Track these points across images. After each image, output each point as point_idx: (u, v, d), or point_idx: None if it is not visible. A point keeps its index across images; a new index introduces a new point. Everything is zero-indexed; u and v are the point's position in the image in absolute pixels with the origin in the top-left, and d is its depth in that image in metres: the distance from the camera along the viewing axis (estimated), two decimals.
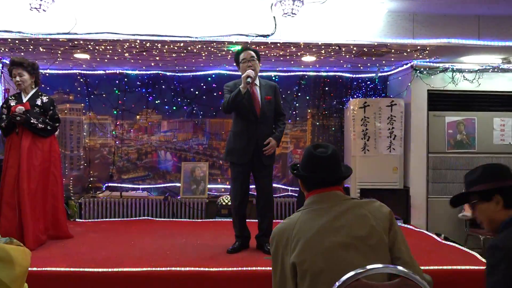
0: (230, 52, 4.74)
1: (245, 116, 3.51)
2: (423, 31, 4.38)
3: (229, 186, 5.72)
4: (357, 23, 4.34)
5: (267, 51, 4.77)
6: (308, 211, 1.62)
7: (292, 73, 5.94)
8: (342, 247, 1.48)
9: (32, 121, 3.84)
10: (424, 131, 5.45)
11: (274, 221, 3.91)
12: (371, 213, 1.56)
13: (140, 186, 6.02)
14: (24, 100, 3.95)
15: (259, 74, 3.65)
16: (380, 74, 5.84)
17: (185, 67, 5.77)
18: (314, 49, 4.69)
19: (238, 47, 4.08)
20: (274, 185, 5.68)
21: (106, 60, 5.29)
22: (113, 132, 6.08)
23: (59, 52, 4.83)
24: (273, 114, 3.64)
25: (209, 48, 4.60)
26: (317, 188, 1.65)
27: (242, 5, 4.18)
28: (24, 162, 3.79)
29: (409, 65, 5.40)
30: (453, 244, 4.28)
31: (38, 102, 3.97)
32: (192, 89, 6.01)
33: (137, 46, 4.57)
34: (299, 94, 6.00)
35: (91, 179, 6.03)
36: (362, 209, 1.58)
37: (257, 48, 4.18)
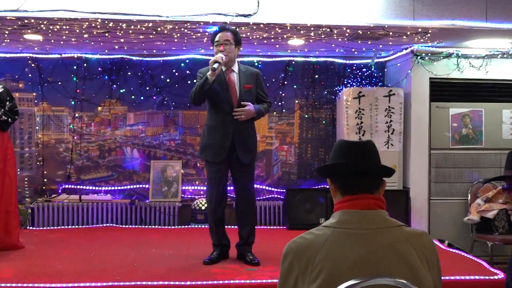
0: (206, 34, 4.72)
1: (220, 107, 3.51)
2: (425, 12, 4.40)
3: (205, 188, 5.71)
4: (351, 2, 4.35)
5: (248, 33, 4.75)
6: (341, 233, 1.42)
7: (277, 59, 5.95)
8: None
9: None
10: (426, 124, 5.51)
11: (256, 227, 3.94)
12: (420, 251, 1.41)
13: (103, 188, 5.96)
14: None
15: (239, 59, 3.65)
16: (376, 60, 5.89)
17: (154, 51, 5.72)
18: (302, 31, 4.69)
19: (215, 28, 4.06)
20: (257, 186, 5.70)
21: (62, 42, 5.21)
22: (71, 126, 6.00)
23: (6, 32, 4.74)
24: (255, 102, 3.64)
25: (182, 29, 4.56)
26: (351, 192, 1.48)
27: None
28: None
29: (409, 50, 5.45)
30: (458, 252, 4.36)
31: None
32: (162, 77, 5.97)
33: (98, 26, 4.50)
34: (286, 82, 6.02)
35: (45, 180, 5.94)
36: (409, 245, 1.41)
37: (238, 29, 4.16)
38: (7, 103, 3.99)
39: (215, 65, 3.35)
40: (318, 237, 1.42)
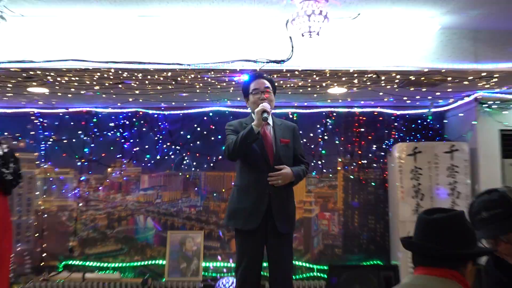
0: (233, 83, 4.88)
1: (254, 165, 3.51)
2: (489, 53, 4.46)
3: (233, 265, 5.66)
4: (401, 43, 4.44)
5: (281, 81, 4.90)
6: None
7: (315, 110, 6.07)
8: None
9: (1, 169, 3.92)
10: (498, 186, 5.39)
11: None
12: None
13: (110, 265, 6.00)
14: None
15: (272, 111, 3.73)
16: (434, 110, 5.91)
17: (173, 103, 5.92)
18: (344, 78, 4.80)
19: (243, 77, 4.19)
20: (294, 262, 5.61)
21: (70, 96, 5.43)
22: (76, 191, 6.17)
23: (9, 85, 4.97)
24: (291, 163, 3.66)
25: (205, 78, 4.73)
26: (420, 263, 1.81)
27: (248, 23, 4.34)
28: None
29: (472, 97, 5.46)
30: None
31: None
32: (182, 132, 6.14)
33: (111, 77, 4.70)
34: (326, 137, 6.10)
35: (44, 255, 6.03)
36: None
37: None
38: (11, 164, 4.10)
39: (265, 115, 3.43)
40: None
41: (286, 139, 3.67)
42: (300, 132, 3.97)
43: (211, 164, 6.00)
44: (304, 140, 5.87)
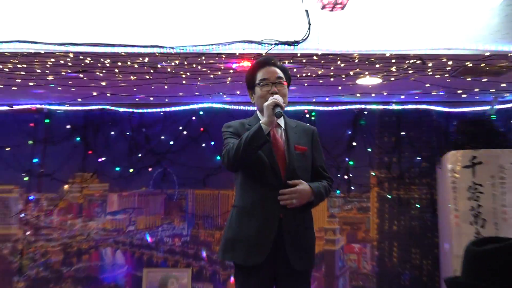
0: (231, 72, 4.92)
1: (260, 180, 3.49)
2: None
3: None
4: (453, 19, 4.46)
5: (295, 70, 4.95)
6: None
7: (340, 107, 6.11)
8: None
9: None
10: None
11: None
12: None
13: None
14: None
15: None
16: (498, 107, 5.94)
17: (151, 99, 5.97)
18: (378, 65, 4.83)
19: (245, 64, 4.22)
20: None
21: (14, 88, 5.47)
22: (22, 215, 6.21)
23: None
24: (309, 177, 3.64)
25: (194, 65, 4.77)
26: None
27: None
28: None
29: None
30: None
31: None
32: (163, 137, 6.21)
33: (70, 64, 4.74)
34: (355, 143, 6.15)
35: None
36: None
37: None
38: None
39: (278, 109, 3.39)
40: None
41: (303, 146, 3.63)
42: (320, 136, 3.93)
43: (202, 180, 6.04)
44: (324, 147, 5.87)
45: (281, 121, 3.68)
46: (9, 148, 6.27)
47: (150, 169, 6.23)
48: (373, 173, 6.15)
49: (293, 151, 3.60)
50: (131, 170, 6.22)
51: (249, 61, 4.54)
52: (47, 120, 6.28)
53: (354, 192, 6.17)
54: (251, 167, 3.52)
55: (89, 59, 4.61)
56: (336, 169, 6.01)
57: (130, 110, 6.20)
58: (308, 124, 3.87)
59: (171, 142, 6.18)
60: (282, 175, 3.54)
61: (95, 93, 5.67)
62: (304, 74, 5.12)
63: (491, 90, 5.65)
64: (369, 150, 6.15)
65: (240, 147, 3.41)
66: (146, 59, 4.60)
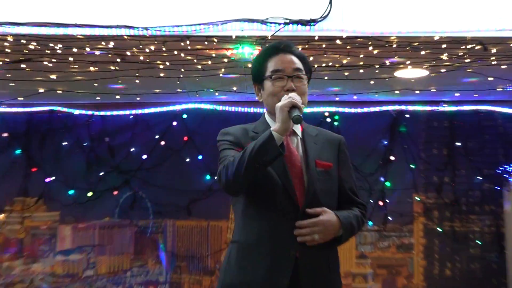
0: (225, 61, 4.95)
1: (270, 207, 3.49)
2: None
3: None
4: None
5: (311, 58, 4.95)
6: None
7: (372, 108, 6.17)
8: None
9: None
10: None
11: None
12: None
13: None
14: None
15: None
16: None
17: (117, 97, 6.01)
18: (423, 51, 4.86)
19: (246, 49, 4.25)
20: None
21: None
22: None
23: None
24: (335, 203, 3.65)
25: (176, 51, 4.81)
26: None
27: None
28: None
29: None
30: None
31: None
32: (133, 149, 6.27)
33: (8, 50, 4.77)
34: (392, 157, 6.19)
35: None
36: None
37: None
38: None
39: (296, 112, 3.36)
40: None
41: (327, 161, 3.66)
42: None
43: (186, 206, 6.07)
44: (353, 162, 5.87)
45: (297, 128, 3.66)
46: None
47: (115, 193, 6.24)
48: (417, 198, 6.15)
49: (313, 168, 3.53)
50: (89, 194, 6.23)
51: (251, 47, 4.56)
52: None
53: (392, 224, 6.16)
54: (257, 189, 3.50)
55: (34, 43, 4.63)
56: (367, 193, 6.01)
57: (89, 112, 6.20)
58: (334, 134, 3.83)
59: (144, 156, 6.19)
60: (300, 200, 3.46)
61: (41, 90, 5.70)
62: (323, 64, 5.14)
63: None
64: (412, 166, 6.16)
65: (244, 162, 3.32)
66: (111, 44, 4.64)
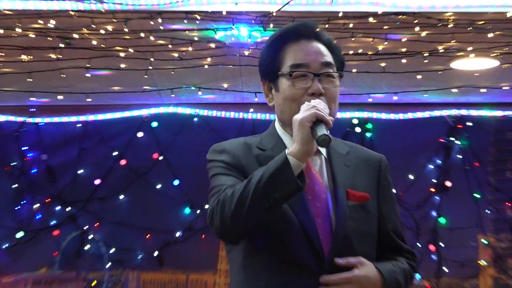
0: (213, 46, 4.94)
1: (284, 256, 3.54)
2: None
3: None
4: None
5: (334, 42, 4.90)
6: None
7: (419, 113, 6.24)
8: None
9: None
10: None
11: None
12: None
13: None
14: None
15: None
16: None
17: (60, 98, 6.10)
18: (492, 32, 4.80)
19: (242, 32, 4.22)
20: None
21: None
22: None
23: None
24: (373, 249, 3.72)
25: (143, 33, 4.75)
26: None
27: None
28: None
29: None
30: None
31: None
32: (81, 171, 6.35)
33: None
34: (449, 183, 6.19)
35: None
36: None
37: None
38: None
39: (323, 133, 3.28)
40: None
41: (362, 192, 3.64)
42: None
43: (156, 253, 5.97)
44: (394, 188, 5.81)
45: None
46: None
47: (56, 233, 6.19)
48: (485, 241, 6.11)
49: (344, 201, 3.49)
50: (19, 235, 6.20)
51: (248, 27, 4.50)
52: None
53: (448, 278, 6.13)
54: (263, 231, 3.44)
55: None
56: (414, 234, 5.95)
57: (19, 119, 6.19)
58: (371, 152, 3.77)
59: (97, 181, 6.17)
60: (325, 247, 3.43)
61: None
62: (351, 52, 5.10)
63: None
64: (478, 196, 6.12)
65: (247, 198, 3.17)
66: (52, 23, 4.53)
